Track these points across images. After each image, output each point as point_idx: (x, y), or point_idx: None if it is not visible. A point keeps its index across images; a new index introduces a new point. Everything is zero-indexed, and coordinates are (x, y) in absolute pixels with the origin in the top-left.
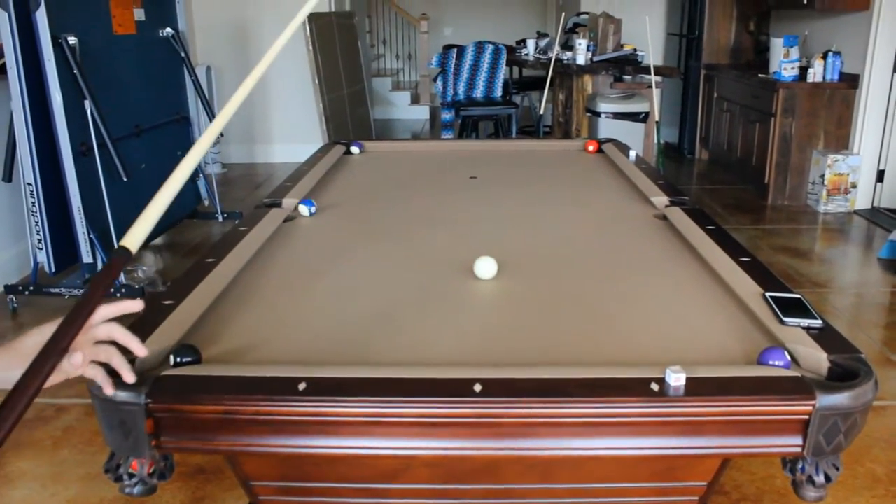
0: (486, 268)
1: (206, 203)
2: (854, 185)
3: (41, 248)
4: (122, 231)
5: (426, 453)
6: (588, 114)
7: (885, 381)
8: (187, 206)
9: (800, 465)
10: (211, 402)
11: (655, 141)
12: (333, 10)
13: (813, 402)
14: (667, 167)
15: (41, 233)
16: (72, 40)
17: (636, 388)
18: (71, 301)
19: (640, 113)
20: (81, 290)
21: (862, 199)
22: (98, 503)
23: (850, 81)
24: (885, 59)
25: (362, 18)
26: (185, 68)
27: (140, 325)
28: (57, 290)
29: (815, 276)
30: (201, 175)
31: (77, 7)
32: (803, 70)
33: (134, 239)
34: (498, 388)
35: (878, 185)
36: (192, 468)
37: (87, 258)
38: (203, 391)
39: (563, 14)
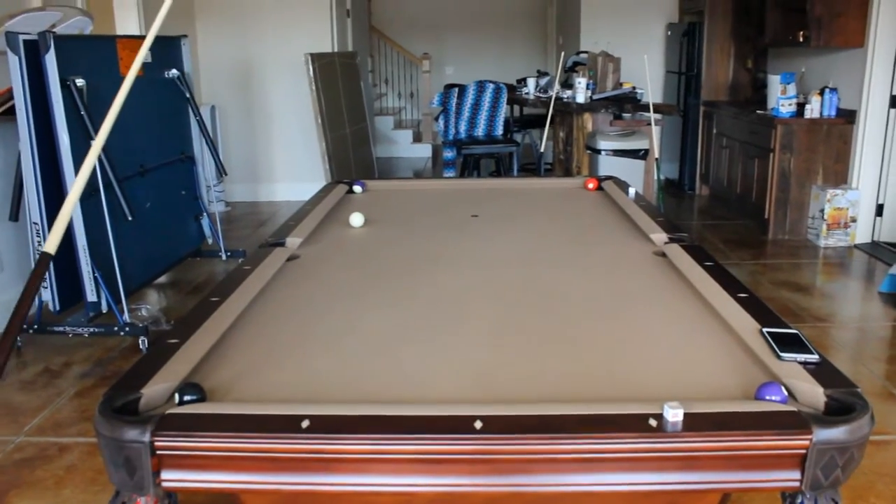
0: (357, 220)
1: (210, 241)
2: (854, 220)
3: (46, 287)
4: (126, 269)
5: (428, 490)
6: (588, 151)
7: (887, 415)
8: (191, 244)
9: (799, 500)
10: (215, 440)
11: (655, 177)
12: (336, 50)
13: (810, 437)
14: (667, 203)
15: (47, 273)
16: (80, 82)
17: (634, 424)
18: (75, 339)
19: (640, 150)
20: (86, 329)
21: (862, 234)
22: None
23: (848, 117)
24: (881, 94)
25: (364, 58)
26: (189, 108)
27: (145, 364)
28: (61, 329)
29: (816, 310)
30: (205, 213)
31: (85, 50)
32: (801, 106)
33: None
34: (499, 425)
35: (878, 219)
36: None
37: (91, 297)
38: (208, 429)
39: (563, 53)
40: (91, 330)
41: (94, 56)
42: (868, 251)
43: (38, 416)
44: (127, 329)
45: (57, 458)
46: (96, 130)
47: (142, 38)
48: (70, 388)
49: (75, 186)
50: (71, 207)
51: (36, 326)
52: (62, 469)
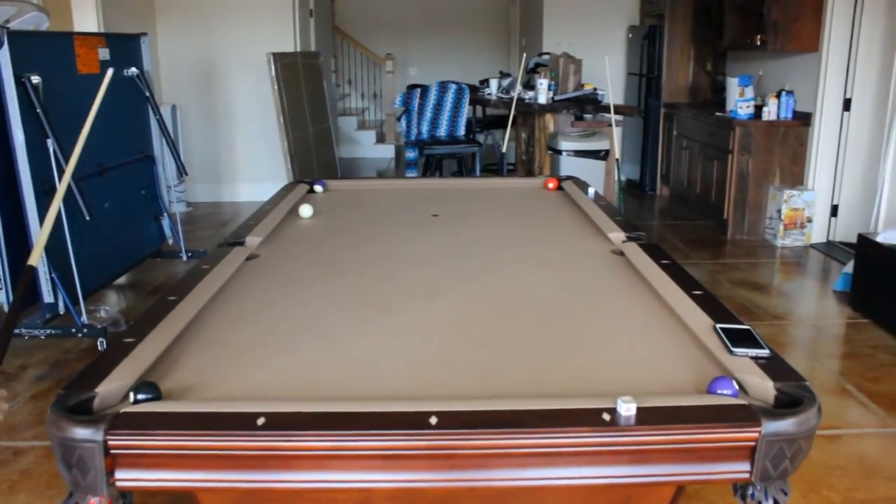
0: (306, 211)
1: (171, 242)
2: (810, 220)
3: (1, 288)
4: (84, 270)
5: (385, 486)
6: (550, 152)
7: (840, 409)
8: (151, 245)
9: (749, 491)
10: (170, 438)
11: (616, 178)
12: (299, 49)
13: (759, 429)
14: (628, 204)
15: (1, 272)
16: (35, 79)
17: (588, 419)
18: (31, 341)
19: (601, 151)
20: (42, 331)
21: (817, 234)
22: None
23: (803, 119)
24: (835, 97)
25: (328, 58)
26: (149, 107)
27: (100, 363)
28: (17, 331)
29: (773, 308)
30: (165, 214)
31: (41, 46)
32: (758, 109)
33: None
34: (454, 421)
35: (833, 219)
36: None
37: (48, 298)
38: (162, 427)
39: (525, 54)
40: (48, 332)
41: (51, 53)
42: (823, 251)
43: None
44: (85, 331)
45: (11, 462)
46: (52, 128)
47: (99, 35)
48: (25, 392)
49: (55, 200)
50: (51, 222)
51: None
52: (16, 473)
